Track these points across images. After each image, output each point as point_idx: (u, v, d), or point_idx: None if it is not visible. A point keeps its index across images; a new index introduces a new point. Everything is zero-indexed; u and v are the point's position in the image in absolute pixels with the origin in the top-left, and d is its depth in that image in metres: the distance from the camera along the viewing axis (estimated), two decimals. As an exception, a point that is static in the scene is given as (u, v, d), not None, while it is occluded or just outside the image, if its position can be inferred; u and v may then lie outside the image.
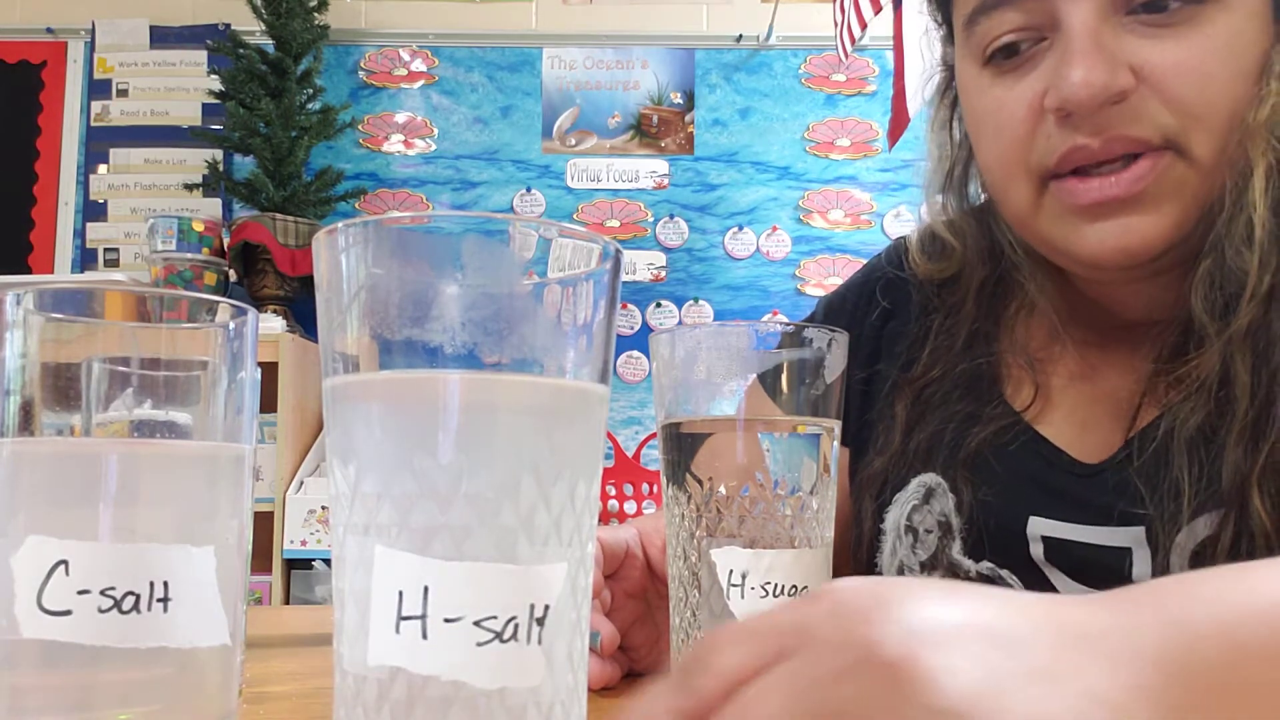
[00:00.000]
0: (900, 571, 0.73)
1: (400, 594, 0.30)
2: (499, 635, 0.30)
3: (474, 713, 0.30)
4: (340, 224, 0.32)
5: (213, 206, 2.77)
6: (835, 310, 0.85)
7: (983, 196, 0.76)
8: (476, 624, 0.30)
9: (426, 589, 0.30)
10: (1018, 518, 0.68)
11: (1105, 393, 0.70)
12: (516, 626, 0.30)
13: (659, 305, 2.80)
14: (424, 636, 0.30)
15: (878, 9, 2.15)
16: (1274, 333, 0.58)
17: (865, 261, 0.89)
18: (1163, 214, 0.60)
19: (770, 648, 0.29)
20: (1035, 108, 0.62)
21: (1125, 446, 0.65)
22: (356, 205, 2.75)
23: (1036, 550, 0.68)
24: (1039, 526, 0.68)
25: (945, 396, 0.73)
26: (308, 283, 2.51)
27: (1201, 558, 0.60)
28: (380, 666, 0.30)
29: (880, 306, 0.82)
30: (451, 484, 0.30)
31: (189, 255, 2.45)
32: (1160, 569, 0.62)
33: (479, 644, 0.30)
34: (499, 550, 0.30)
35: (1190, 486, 0.60)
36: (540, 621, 0.31)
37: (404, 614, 0.30)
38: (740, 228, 2.81)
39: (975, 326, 0.74)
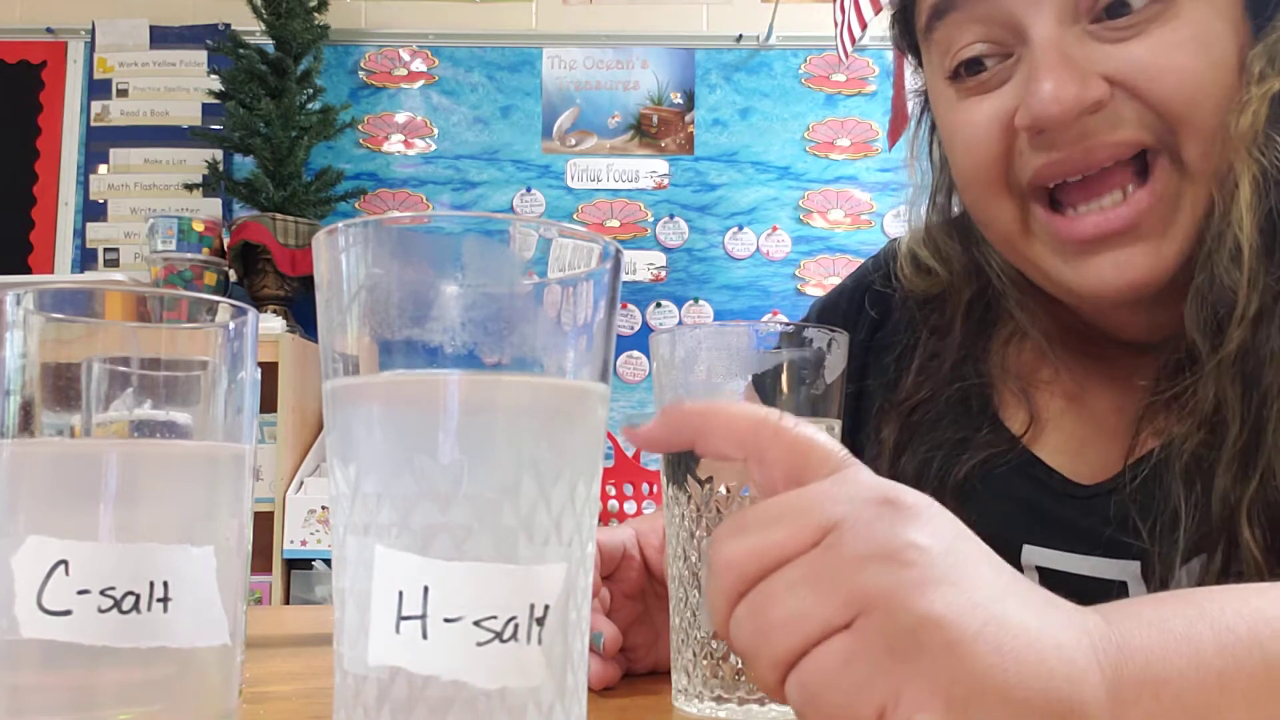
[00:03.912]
0: None
1: (400, 594, 0.30)
2: (499, 635, 0.30)
3: (474, 713, 0.30)
4: (340, 224, 0.32)
5: (213, 206, 2.77)
6: (827, 317, 0.83)
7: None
8: (476, 624, 0.30)
9: (426, 589, 0.30)
10: (1011, 546, 0.67)
11: (1100, 414, 0.68)
12: (516, 626, 0.30)
13: (659, 305, 2.80)
14: (424, 636, 0.30)
15: (878, 9, 2.15)
16: (1262, 356, 0.56)
17: (863, 262, 0.88)
18: (1165, 241, 0.58)
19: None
20: (1006, 125, 0.60)
21: (1122, 474, 0.64)
22: (356, 205, 2.75)
23: (1032, 580, 0.67)
24: (1033, 555, 0.67)
25: (935, 421, 0.71)
26: (308, 283, 2.51)
27: None
28: (380, 666, 0.31)
29: (869, 318, 0.80)
30: (451, 484, 0.30)
31: (189, 255, 2.45)
32: None
33: (479, 644, 0.30)
34: (499, 550, 0.31)
35: (1186, 518, 0.59)
36: (540, 621, 0.31)
37: (404, 614, 0.30)
38: (740, 228, 2.81)
39: (963, 348, 0.72)
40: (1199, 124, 0.57)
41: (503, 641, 0.30)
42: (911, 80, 0.75)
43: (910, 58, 0.72)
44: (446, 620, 0.30)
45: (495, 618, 0.30)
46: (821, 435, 0.39)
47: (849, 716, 0.33)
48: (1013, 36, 0.59)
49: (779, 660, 0.35)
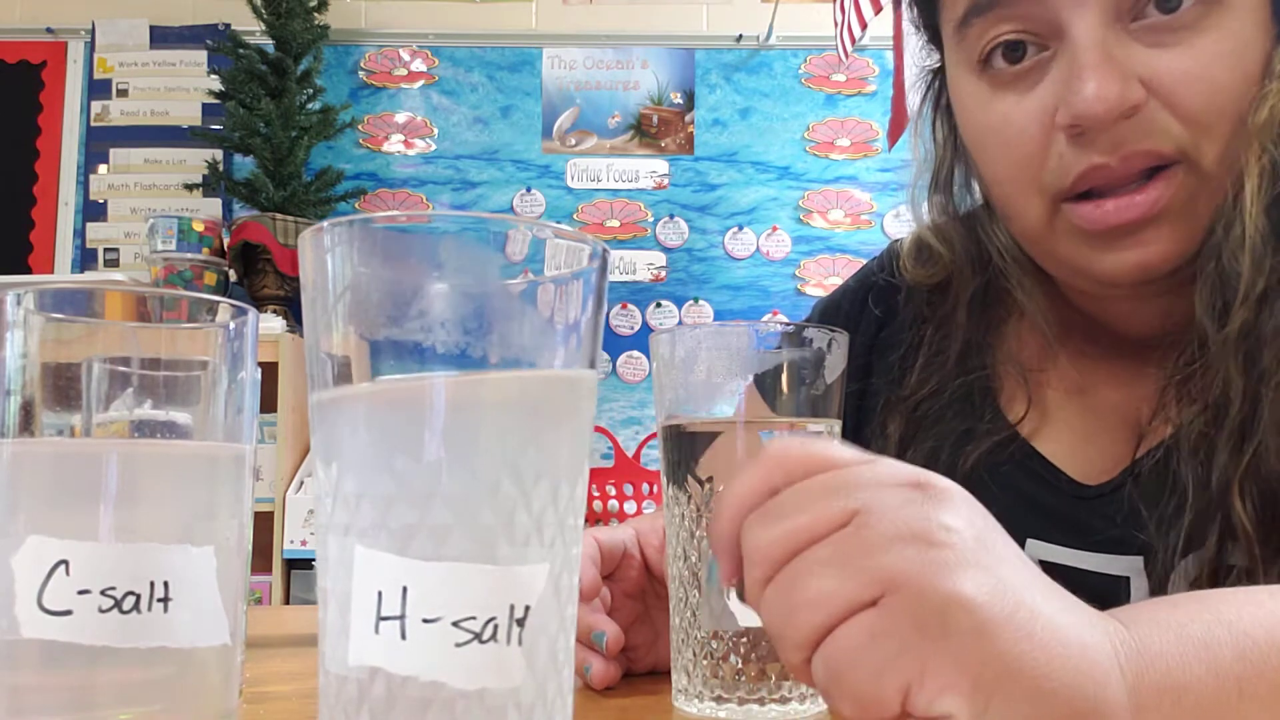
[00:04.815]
0: None
1: (379, 594, 0.30)
2: (478, 636, 0.30)
3: (452, 713, 0.30)
4: (326, 223, 0.32)
5: (213, 206, 2.77)
6: (830, 317, 0.83)
7: (969, 203, 0.74)
8: (455, 624, 0.30)
9: (405, 589, 0.30)
10: (1015, 541, 0.67)
11: (1105, 408, 0.68)
12: (496, 627, 0.30)
13: (659, 305, 2.80)
14: (403, 637, 0.30)
15: (878, 9, 2.15)
16: (1264, 335, 0.57)
17: (864, 262, 0.88)
18: (1179, 231, 0.59)
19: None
20: (1046, 124, 0.59)
21: (1132, 468, 0.64)
22: (356, 205, 2.75)
23: None
24: (1036, 550, 0.67)
25: (940, 414, 0.71)
26: (308, 283, 2.50)
27: (1199, 589, 0.59)
28: (360, 666, 0.30)
29: (873, 316, 0.80)
30: (431, 484, 0.30)
31: (189, 255, 2.45)
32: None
33: (458, 644, 0.30)
34: (478, 550, 0.30)
35: (1194, 502, 0.59)
36: (520, 622, 0.31)
37: (383, 614, 0.30)
38: (740, 228, 2.81)
39: (967, 339, 0.72)
40: (1218, 131, 0.57)
41: (482, 642, 0.30)
42: (918, 56, 0.74)
43: (921, 33, 0.72)
44: (425, 620, 0.30)
45: (474, 618, 0.30)
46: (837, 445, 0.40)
47: (873, 695, 0.33)
48: (1051, 32, 0.59)
49: (804, 640, 0.34)
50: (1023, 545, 0.66)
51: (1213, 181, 0.58)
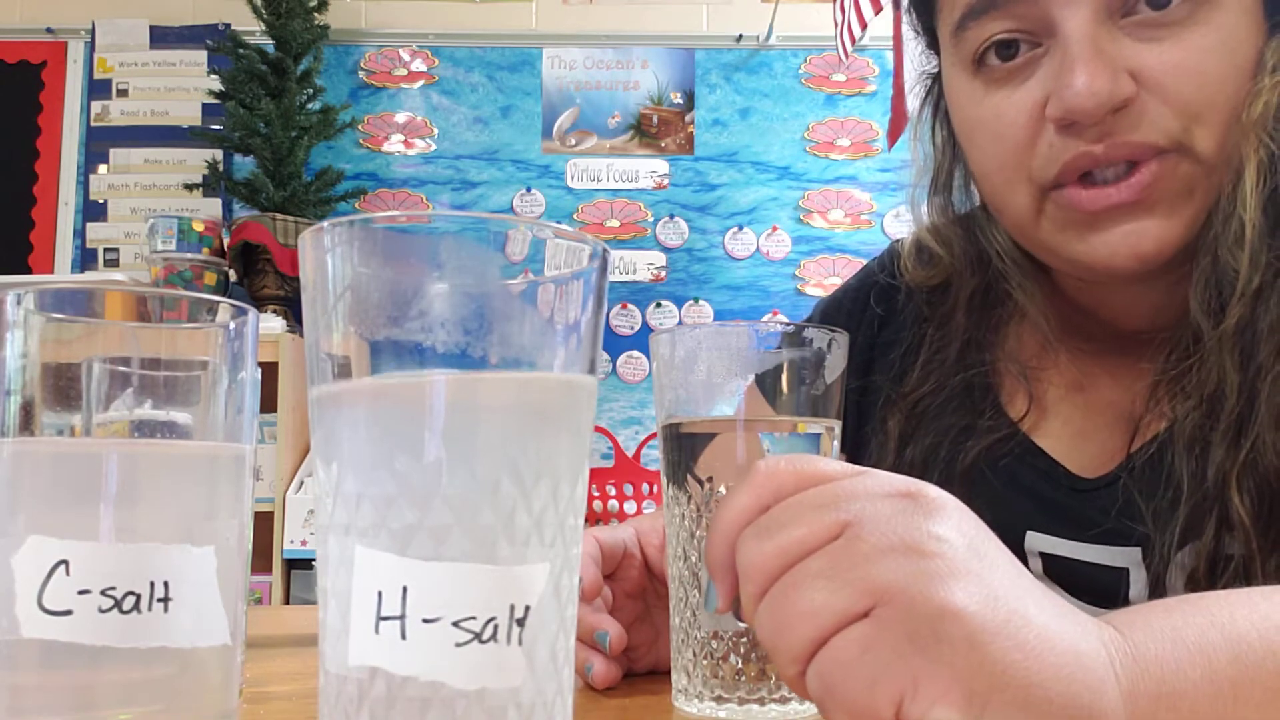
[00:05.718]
0: None
1: (380, 594, 0.30)
2: (478, 636, 0.30)
3: (452, 713, 0.30)
4: (326, 223, 0.32)
5: (213, 206, 2.77)
6: (831, 316, 0.84)
7: (968, 205, 0.75)
8: (455, 624, 0.30)
9: (405, 589, 0.30)
10: (1014, 533, 0.67)
11: (1103, 404, 0.69)
12: (496, 627, 0.30)
13: (659, 305, 2.80)
14: (403, 637, 0.30)
15: (878, 9, 2.15)
16: (1259, 330, 0.57)
17: (864, 263, 0.89)
18: (1173, 216, 0.59)
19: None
20: (1035, 116, 0.60)
21: (1127, 462, 0.64)
22: (356, 205, 2.75)
23: (1035, 566, 0.67)
24: (1036, 542, 0.67)
25: (939, 410, 0.72)
26: (308, 283, 2.50)
27: (1196, 581, 0.59)
28: (360, 666, 0.30)
29: (874, 314, 0.81)
30: (431, 484, 0.30)
31: (189, 255, 2.45)
32: (1155, 591, 0.62)
33: (458, 644, 0.30)
34: (478, 550, 0.30)
35: (1189, 494, 0.59)
36: (520, 622, 0.31)
37: (383, 614, 0.30)
38: (740, 228, 2.81)
39: (967, 337, 0.73)
40: (1215, 121, 0.58)
41: (482, 642, 0.30)
42: (919, 61, 0.75)
43: (921, 36, 0.73)
44: (425, 620, 0.30)
45: (474, 618, 0.30)
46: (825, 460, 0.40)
47: (866, 706, 0.33)
48: (1044, 30, 0.60)
49: (798, 652, 0.35)
50: (1022, 537, 0.67)
51: (1210, 168, 0.58)
